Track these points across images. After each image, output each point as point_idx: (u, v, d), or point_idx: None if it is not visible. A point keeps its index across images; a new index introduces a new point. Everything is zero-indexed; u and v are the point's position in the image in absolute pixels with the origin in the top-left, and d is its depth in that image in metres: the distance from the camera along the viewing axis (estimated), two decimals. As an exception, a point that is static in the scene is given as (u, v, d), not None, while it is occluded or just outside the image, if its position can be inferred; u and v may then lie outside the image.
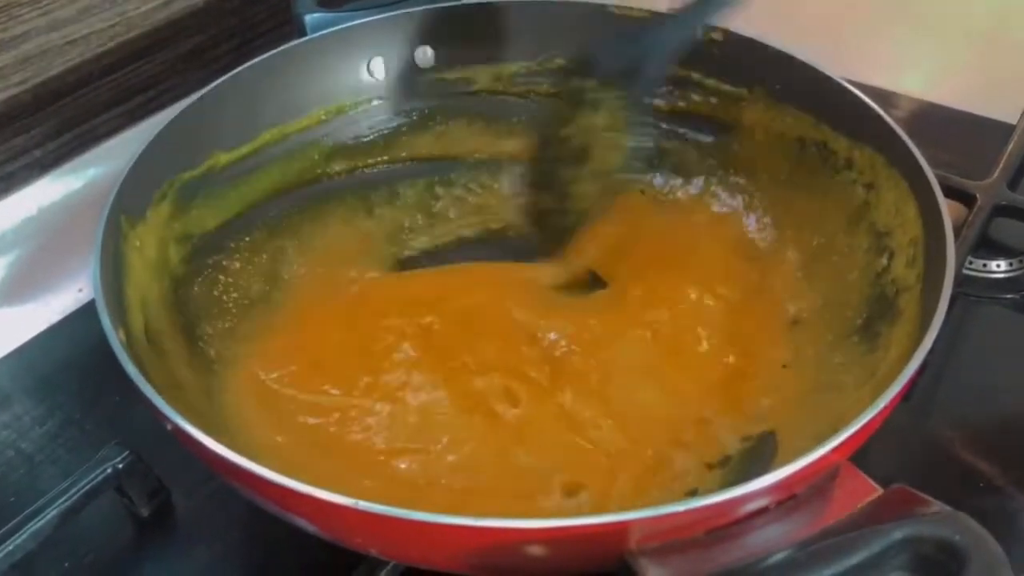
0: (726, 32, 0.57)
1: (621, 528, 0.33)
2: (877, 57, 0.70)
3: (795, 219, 0.57)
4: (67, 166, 0.62)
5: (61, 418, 0.54)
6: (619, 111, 0.51)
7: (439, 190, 0.62)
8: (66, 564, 0.47)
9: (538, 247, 0.55)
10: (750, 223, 0.59)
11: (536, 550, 0.34)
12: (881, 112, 0.51)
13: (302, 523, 0.37)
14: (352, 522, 0.34)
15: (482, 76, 0.63)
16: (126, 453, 0.47)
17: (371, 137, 0.63)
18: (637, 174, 0.52)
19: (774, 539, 0.34)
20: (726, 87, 0.59)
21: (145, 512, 0.49)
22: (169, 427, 0.38)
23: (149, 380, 0.39)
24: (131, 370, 0.39)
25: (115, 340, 0.40)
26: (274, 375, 0.51)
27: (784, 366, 0.50)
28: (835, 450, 0.35)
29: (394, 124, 0.63)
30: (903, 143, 0.49)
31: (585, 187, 0.53)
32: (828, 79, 0.54)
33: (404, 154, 0.63)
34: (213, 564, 0.47)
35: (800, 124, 0.56)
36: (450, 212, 0.61)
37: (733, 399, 0.49)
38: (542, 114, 0.55)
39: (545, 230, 0.55)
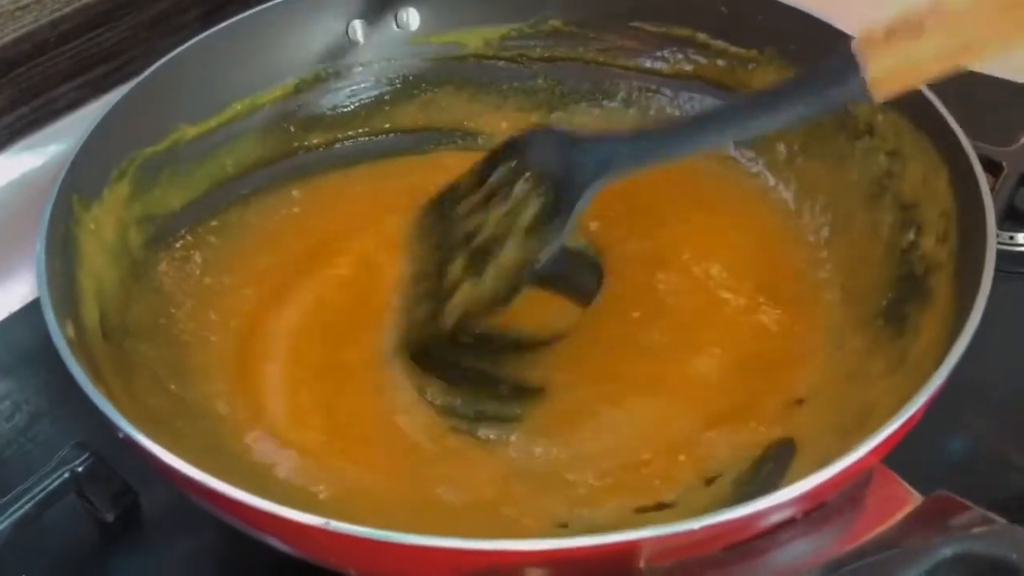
0: (736, -12, 0.54)
1: (629, 548, 0.30)
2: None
3: (811, 192, 0.53)
4: (23, 143, 0.59)
5: (28, 412, 0.52)
6: (537, 213, 0.44)
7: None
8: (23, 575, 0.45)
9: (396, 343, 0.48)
10: (762, 197, 0.55)
11: (536, 573, 0.30)
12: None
13: (272, 542, 0.34)
14: (323, 543, 0.31)
15: (470, 39, 0.60)
16: (86, 455, 0.45)
17: (351, 107, 0.60)
18: (522, 288, 0.44)
19: (802, 557, 0.30)
20: (735, 49, 0.56)
21: (110, 517, 0.46)
22: (120, 435, 0.34)
23: (103, 381, 0.36)
24: (78, 373, 0.35)
25: (60, 338, 0.36)
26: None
27: (801, 353, 0.46)
28: (872, 451, 0.31)
29: (376, 93, 0.61)
30: (933, 107, 0.46)
31: (469, 292, 0.46)
32: (848, 38, 0.50)
33: (387, 125, 0.60)
34: (184, 569, 0.45)
35: None
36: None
37: (745, 392, 0.45)
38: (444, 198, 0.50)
39: (410, 330, 0.48)
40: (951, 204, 0.44)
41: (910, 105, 0.47)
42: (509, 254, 0.45)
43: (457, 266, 0.47)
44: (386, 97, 0.61)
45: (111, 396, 0.36)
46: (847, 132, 0.51)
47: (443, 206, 0.51)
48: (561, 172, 0.43)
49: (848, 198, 0.51)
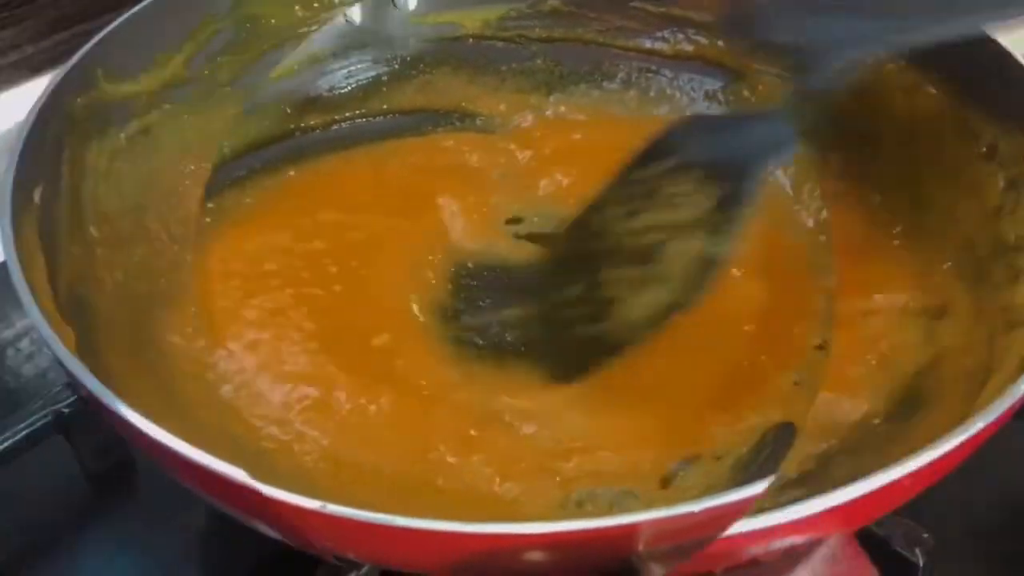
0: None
1: (628, 531, 0.29)
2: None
3: (822, 176, 0.52)
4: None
5: (24, 354, 0.53)
6: (702, 209, 0.43)
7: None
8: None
9: (550, 367, 0.45)
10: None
11: (534, 556, 0.30)
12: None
13: (264, 528, 0.33)
14: (318, 526, 0.30)
15: (468, 20, 0.60)
16: (74, 398, 0.43)
17: (348, 88, 0.60)
18: (703, 288, 0.42)
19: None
20: (736, 28, 0.55)
21: (100, 468, 0.45)
22: (83, 393, 0.33)
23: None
24: (47, 334, 0.34)
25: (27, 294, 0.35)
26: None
27: (819, 347, 0.45)
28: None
29: (373, 74, 0.60)
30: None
31: (636, 301, 0.44)
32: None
33: (384, 106, 0.60)
34: (180, 527, 0.44)
35: None
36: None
37: (743, 375, 0.44)
38: (596, 201, 0.46)
39: (565, 348, 0.45)
40: None
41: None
42: (690, 254, 0.43)
43: (617, 278, 0.45)
44: (383, 78, 0.60)
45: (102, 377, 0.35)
46: None
47: (591, 221, 0.47)
48: (730, 160, 0.42)
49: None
